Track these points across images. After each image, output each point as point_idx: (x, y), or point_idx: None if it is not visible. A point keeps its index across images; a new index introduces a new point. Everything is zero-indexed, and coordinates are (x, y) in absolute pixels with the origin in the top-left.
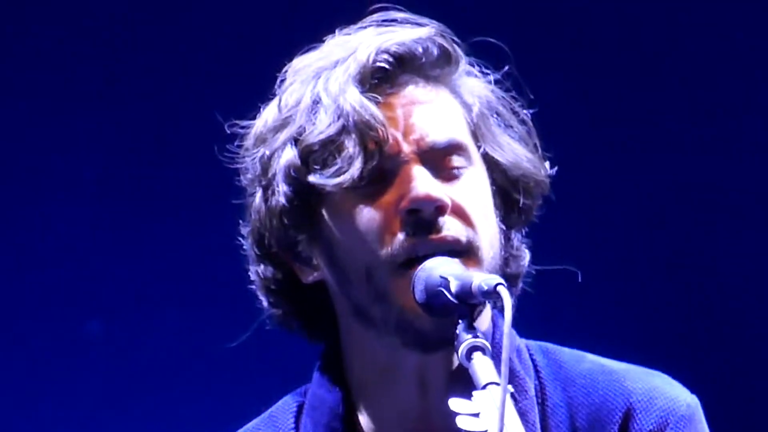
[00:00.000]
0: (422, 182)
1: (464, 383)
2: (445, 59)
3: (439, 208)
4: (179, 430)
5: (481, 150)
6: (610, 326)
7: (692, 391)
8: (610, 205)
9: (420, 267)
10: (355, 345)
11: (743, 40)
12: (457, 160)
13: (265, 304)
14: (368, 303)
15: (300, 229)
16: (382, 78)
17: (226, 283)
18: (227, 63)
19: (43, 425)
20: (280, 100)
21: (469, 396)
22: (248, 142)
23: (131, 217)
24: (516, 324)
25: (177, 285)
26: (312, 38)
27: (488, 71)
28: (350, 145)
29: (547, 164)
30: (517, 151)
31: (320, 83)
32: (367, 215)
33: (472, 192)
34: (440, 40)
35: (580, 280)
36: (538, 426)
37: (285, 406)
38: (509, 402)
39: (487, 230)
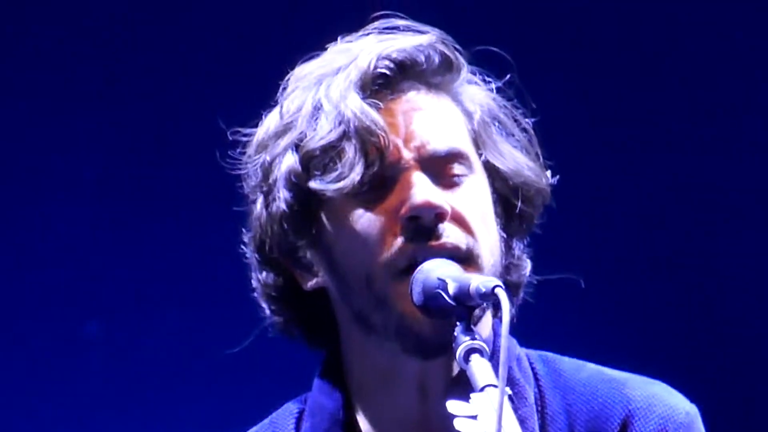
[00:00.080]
0: (422, 189)
1: (464, 390)
2: (447, 66)
3: (439, 215)
4: None
5: (482, 158)
6: (611, 331)
7: (692, 395)
8: (611, 210)
9: (418, 269)
10: (356, 351)
11: (743, 40)
12: (457, 168)
13: (266, 311)
14: (368, 309)
15: (300, 235)
16: (383, 84)
17: (226, 284)
18: (227, 63)
19: (43, 425)
20: (281, 107)
21: (467, 401)
22: (250, 149)
23: (131, 217)
24: (516, 332)
25: (177, 285)
26: (314, 44)
27: (490, 79)
28: (351, 151)
29: (548, 172)
30: (518, 159)
31: (321, 89)
32: (367, 221)
33: (472, 199)
34: (442, 47)
35: (583, 286)
36: None
37: (285, 412)
38: (507, 404)
39: (487, 238)
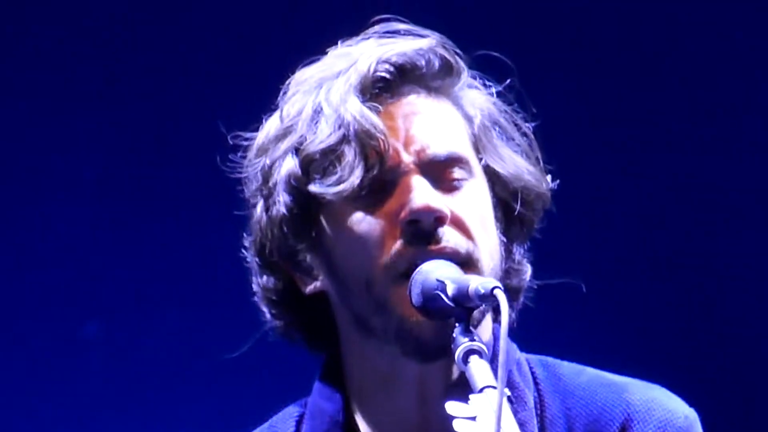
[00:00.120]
0: (422, 193)
1: (463, 393)
2: (447, 70)
3: (439, 219)
4: None
5: (482, 162)
6: (611, 333)
7: (693, 396)
8: (611, 213)
9: (417, 270)
10: (355, 354)
11: (743, 40)
12: (457, 172)
13: (267, 315)
14: (368, 312)
15: (300, 238)
16: (383, 88)
17: (226, 284)
18: (227, 63)
19: (43, 426)
20: (282, 111)
21: (467, 403)
22: (250, 152)
23: (131, 218)
24: (516, 336)
25: (177, 286)
26: (314, 48)
27: (490, 83)
28: (351, 155)
29: (548, 177)
30: (518, 163)
31: (322, 93)
32: (367, 225)
33: (472, 204)
34: (442, 52)
35: (584, 291)
36: None
37: (285, 415)
38: (506, 405)
39: (486, 242)
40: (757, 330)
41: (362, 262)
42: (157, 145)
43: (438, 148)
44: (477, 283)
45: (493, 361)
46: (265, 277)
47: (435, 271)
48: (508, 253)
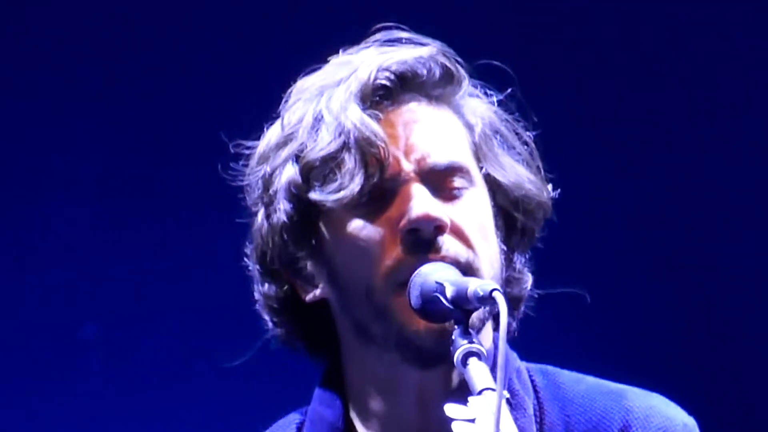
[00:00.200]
0: (422, 201)
1: (463, 399)
2: (448, 78)
3: (438, 228)
4: None
5: (483, 171)
6: (612, 335)
7: (693, 397)
8: (612, 218)
9: (416, 272)
10: (356, 361)
11: (743, 40)
12: (458, 181)
13: (268, 323)
14: (368, 320)
15: (300, 246)
16: (384, 96)
17: (226, 284)
18: (227, 64)
19: (43, 426)
20: (283, 119)
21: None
22: (252, 161)
23: (131, 218)
24: (516, 346)
25: (176, 286)
26: (315, 56)
27: (491, 92)
28: (351, 162)
29: (549, 186)
30: (519, 172)
31: (322, 101)
32: (367, 233)
33: (472, 213)
34: (443, 60)
35: (588, 301)
36: None
37: (286, 422)
38: (505, 407)
39: (486, 251)
40: (757, 331)
41: (362, 270)
42: (157, 145)
43: (438, 156)
44: (476, 285)
45: (493, 368)
46: (266, 285)
47: (434, 274)
48: (508, 262)
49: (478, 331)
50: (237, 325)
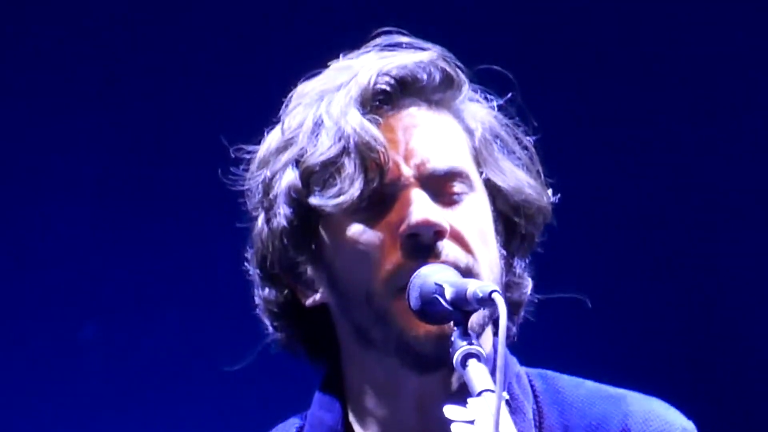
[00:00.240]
0: (421, 207)
1: (463, 402)
2: (448, 83)
3: (438, 233)
4: None
5: (483, 176)
6: (612, 337)
7: (693, 398)
8: (612, 221)
9: (415, 274)
10: (356, 366)
11: (743, 40)
12: (457, 186)
13: (269, 328)
14: (368, 325)
15: (300, 251)
16: (384, 100)
17: (226, 285)
18: (227, 64)
19: (43, 426)
20: (283, 123)
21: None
22: (252, 165)
23: (131, 218)
24: (516, 351)
25: (176, 286)
26: (316, 61)
27: (491, 97)
28: (350, 167)
29: (549, 191)
30: (519, 177)
31: (322, 106)
32: (367, 238)
33: (472, 218)
34: (443, 64)
35: (589, 306)
36: None
37: (286, 426)
38: (504, 408)
39: (486, 256)
40: (757, 331)
41: (362, 275)
42: (157, 146)
43: (438, 161)
44: (475, 287)
45: (492, 370)
46: (266, 290)
47: (433, 275)
48: (508, 267)
49: (478, 335)
50: (237, 326)
